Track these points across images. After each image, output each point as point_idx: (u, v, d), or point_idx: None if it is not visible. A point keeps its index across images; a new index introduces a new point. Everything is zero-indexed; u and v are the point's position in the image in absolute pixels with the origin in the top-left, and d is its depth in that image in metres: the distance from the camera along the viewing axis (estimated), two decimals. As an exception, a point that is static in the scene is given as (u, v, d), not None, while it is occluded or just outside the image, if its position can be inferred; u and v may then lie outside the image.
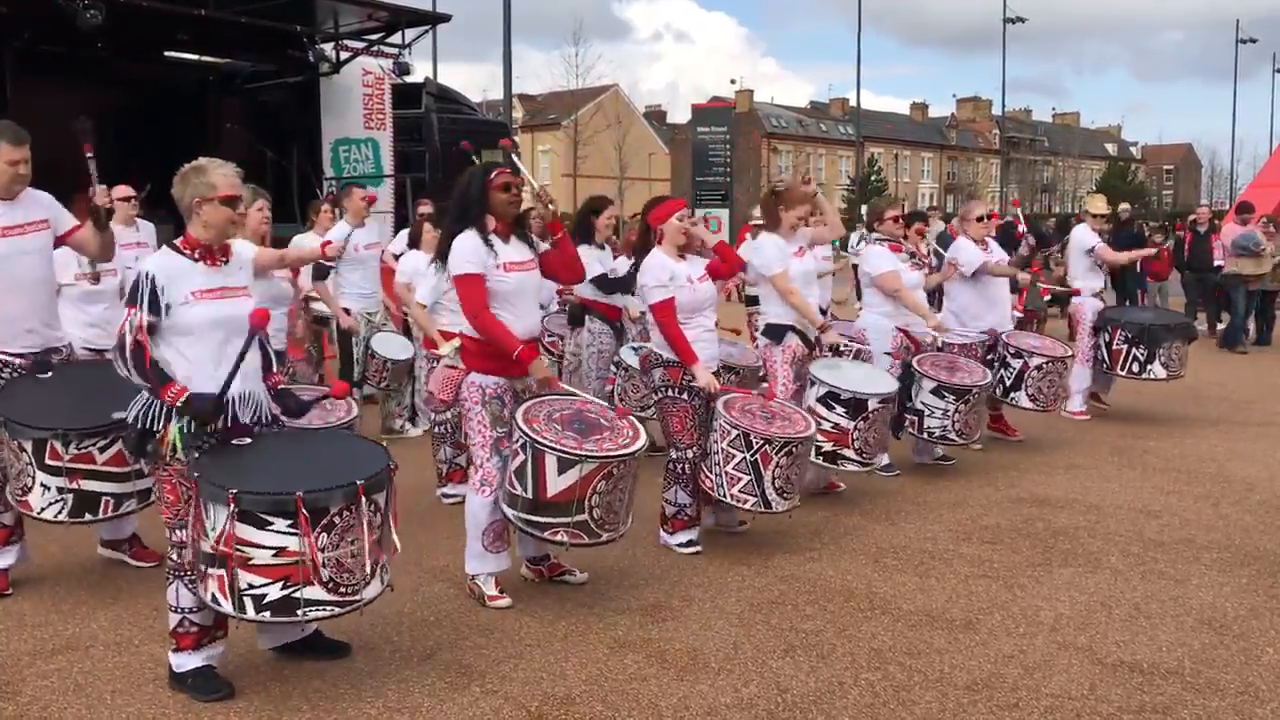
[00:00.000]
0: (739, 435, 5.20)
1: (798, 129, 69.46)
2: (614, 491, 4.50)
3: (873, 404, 5.98)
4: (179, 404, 3.68)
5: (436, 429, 6.57)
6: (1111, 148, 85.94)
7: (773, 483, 5.24)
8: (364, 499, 3.57)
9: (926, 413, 6.86)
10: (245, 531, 3.47)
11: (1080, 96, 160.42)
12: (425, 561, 5.32)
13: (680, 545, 5.44)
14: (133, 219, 7.39)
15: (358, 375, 8.04)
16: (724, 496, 5.32)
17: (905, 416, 6.90)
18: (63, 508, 4.52)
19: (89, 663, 4.09)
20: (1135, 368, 8.68)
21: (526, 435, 4.44)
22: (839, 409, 5.96)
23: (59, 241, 5.03)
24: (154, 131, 13.40)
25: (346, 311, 7.92)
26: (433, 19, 15.37)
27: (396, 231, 11.65)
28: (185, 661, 3.84)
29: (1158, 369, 8.63)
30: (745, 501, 5.29)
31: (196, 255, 3.82)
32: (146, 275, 3.71)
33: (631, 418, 4.79)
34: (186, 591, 3.75)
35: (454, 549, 5.45)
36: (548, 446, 4.41)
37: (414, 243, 8.02)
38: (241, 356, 3.71)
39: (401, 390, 8.32)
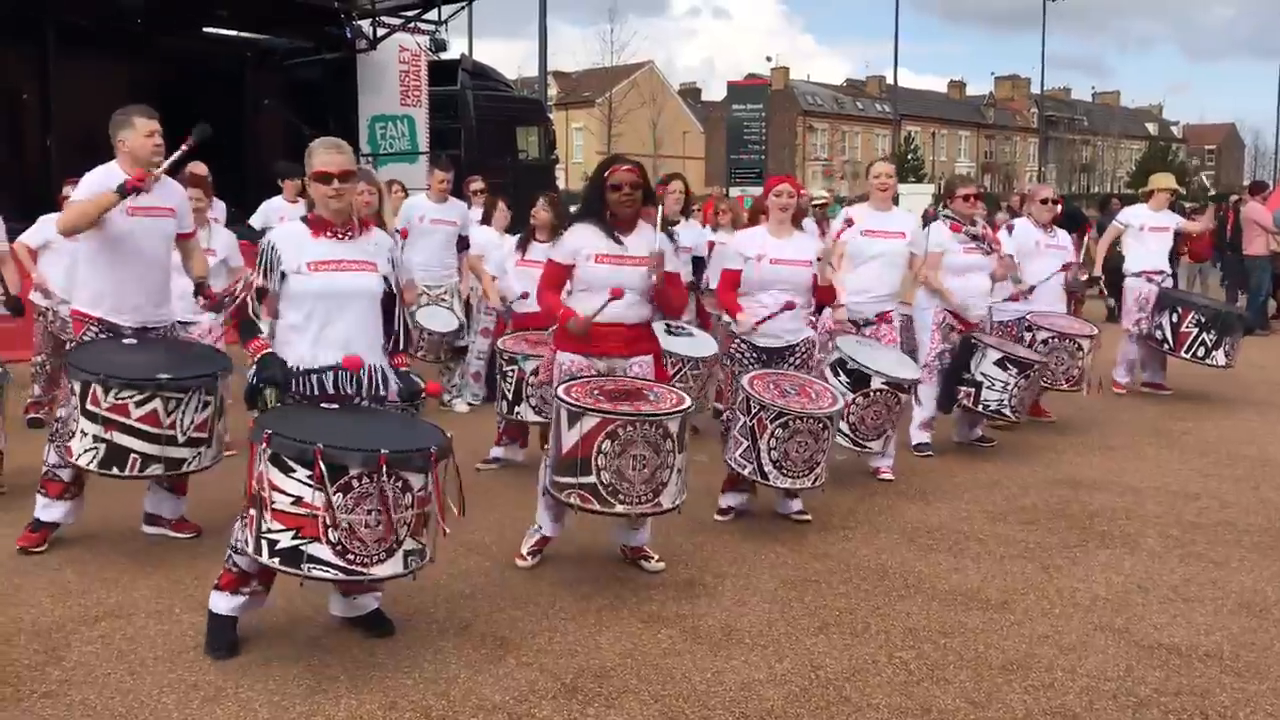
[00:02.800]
0: (743, 399, 5.27)
1: (834, 107, 68.95)
2: (623, 456, 4.39)
3: (876, 382, 5.87)
4: (255, 360, 3.88)
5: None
6: (1152, 127, 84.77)
7: (768, 453, 5.20)
8: (386, 470, 3.55)
9: (986, 384, 6.78)
10: (274, 475, 3.56)
11: (1122, 75, 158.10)
12: (461, 535, 5.34)
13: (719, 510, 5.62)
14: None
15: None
16: (729, 458, 5.37)
17: (959, 389, 6.85)
18: (94, 456, 4.62)
19: (131, 630, 4.15)
20: (1200, 352, 8.59)
21: (554, 396, 4.56)
22: (843, 377, 5.92)
23: (179, 239, 5.21)
24: (192, 108, 13.43)
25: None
26: (469, -5, 15.36)
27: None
28: (216, 602, 3.96)
29: (1220, 357, 8.55)
30: (744, 467, 5.31)
31: (317, 227, 4.02)
32: (269, 242, 3.99)
33: (679, 392, 4.75)
34: (239, 528, 3.83)
35: (489, 524, 5.51)
36: (561, 400, 4.50)
37: (485, 219, 8.23)
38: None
39: (449, 365, 8.37)
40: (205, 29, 14.75)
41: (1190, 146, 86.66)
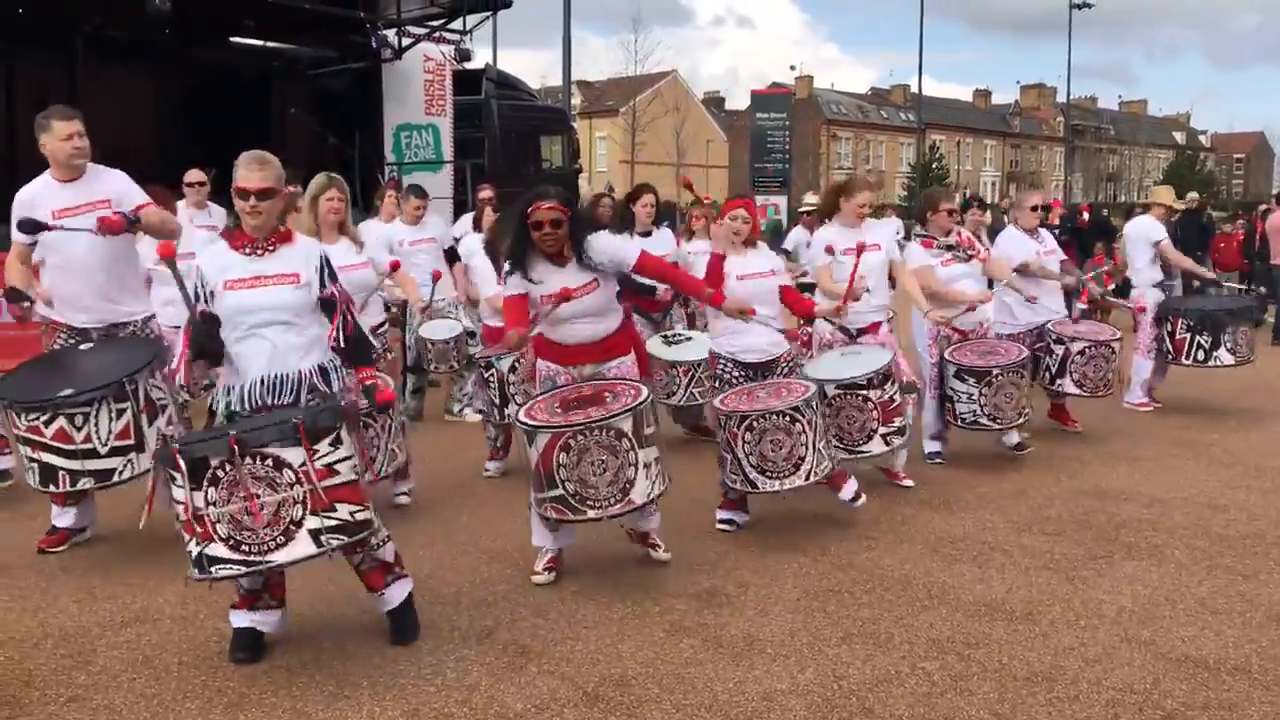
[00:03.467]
0: (716, 416, 5.30)
1: (858, 115, 68.80)
2: (581, 464, 4.40)
3: (830, 389, 5.80)
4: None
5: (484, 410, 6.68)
6: (1180, 136, 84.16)
7: (747, 460, 5.20)
8: (244, 453, 3.51)
9: (955, 399, 6.79)
10: (172, 489, 3.60)
11: (1149, 83, 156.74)
12: (482, 543, 5.37)
13: (719, 520, 5.62)
14: (204, 203, 7.55)
15: (411, 361, 8.16)
16: (721, 480, 5.42)
17: (946, 407, 6.88)
18: (34, 475, 4.74)
19: (157, 635, 4.18)
20: (1200, 355, 8.49)
21: (516, 418, 4.63)
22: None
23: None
24: (219, 117, 13.60)
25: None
26: (494, 5, 15.39)
27: (456, 217, 11.72)
28: (235, 619, 4.02)
29: (1224, 355, 8.44)
30: (735, 481, 5.31)
31: (234, 244, 4.05)
32: (197, 266, 4.02)
33: (640, 387, 4.72)
34: None
35: (509, 531, 5.51)
36: (519, 422, 4.56)
37: (477, 225, 8.23)
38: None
39: (463, 373, 8.39)
40: (232, 39, 14.87)
41: (1218, 155, 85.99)
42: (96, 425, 4.60)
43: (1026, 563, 5.11)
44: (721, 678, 3.86)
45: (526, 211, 4.66)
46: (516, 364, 6.41)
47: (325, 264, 4.11)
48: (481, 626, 4.30)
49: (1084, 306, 9.24)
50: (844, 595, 4.68)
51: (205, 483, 3.53)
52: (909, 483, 6.38)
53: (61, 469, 4.64)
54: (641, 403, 4.53)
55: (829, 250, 6.25)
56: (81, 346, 5.07)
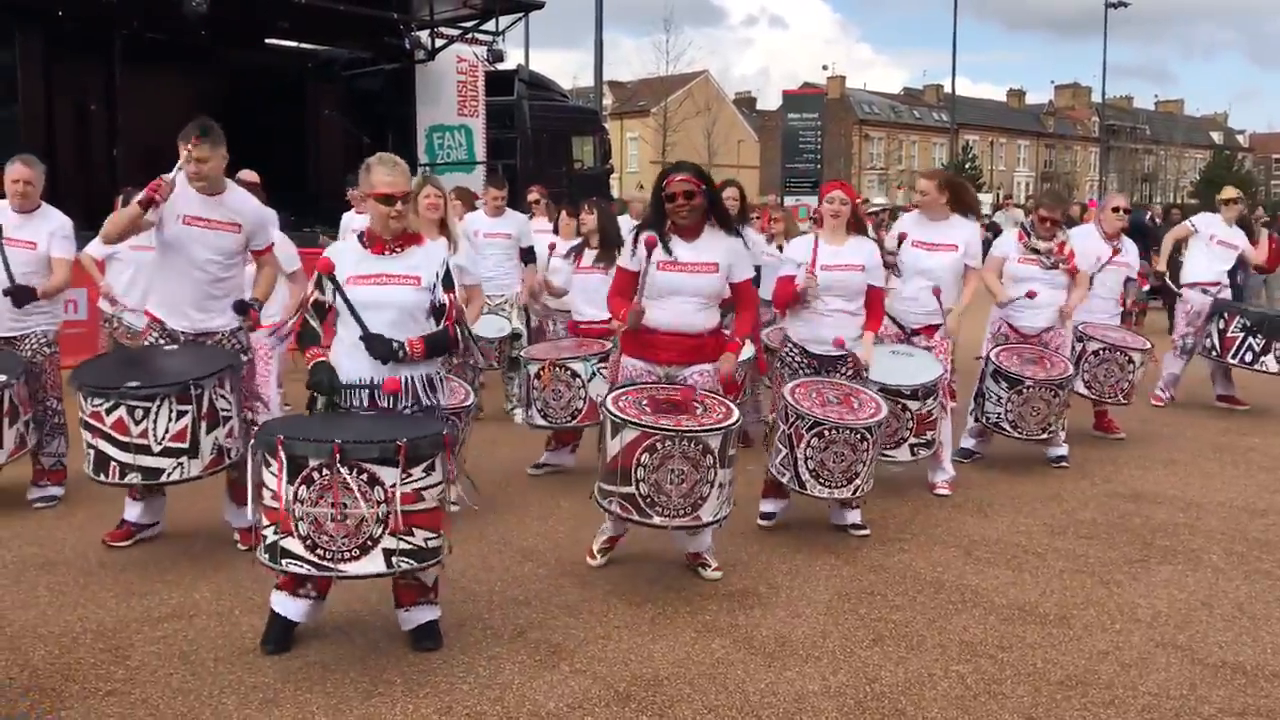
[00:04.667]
0: (783, 407, 5.27)
1: (890, 116, 68.46)
2: (661, 469, 4.42)
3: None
4: (309, 367, 4.02)
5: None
6: (1217, 136, 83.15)
7: (805, 463, 5.19)
8: (342, 461, 3.57)
9: (987, 396, 6.75)
10: (263, 472, 3.71)
11: (1186, 83, 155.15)
12: (516, 541, 5.39)
13: (761, 514, 5.64)
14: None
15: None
16: (770, 465, 5.38)
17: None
18: (89, 461, 4.80)
19: (193, 631, 4.22)
20: (1249, 357, 8.43)
21: (601, 403, 4.64)
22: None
23: (254, 255, 5.30)
24: (254, 117, 13.71)
25: None
26: (526, 6, 15.46)
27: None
28: (274, 601, 4.07)
29: (1270, 362, 8.36)
30: (783, 475, 5.30)
31: (365, 242, 4.12)
32: (325, 257, 4.12)
33: (730, 405, 4.73)
34: None
35: (544, 530, 5.54)
36: (606, 410, 4.55)
37: (556, 229, 8.46)
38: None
39: (509, 374, 8.44)
40: (267, 40, 15.00)
41: (1256, 156, 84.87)
42: (155, 422, 4.66)
43: (1060, 566, 5.07)
44: (753, 678, 3.86)
45: (661, 184, 4.76)
46: (540, 372, 6.43)
47: (447, 270, 4.16)
48: (514, 625, 4.32)
49: (1121, 309, 9.13)
50: (876, 597, 4.66)
51: (300, 480, 3.61)
52: (945, 491, 6.32)
53: (114, 459, 4.69)
54: (734, 423, 4.58)
55: (902, 237, 6.29)
56: (166, 347, 5.12)
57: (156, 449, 4.67)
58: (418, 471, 3.69)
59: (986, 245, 7.18)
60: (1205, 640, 4.21)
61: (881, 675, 3.89)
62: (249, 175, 7.54)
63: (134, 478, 4.75)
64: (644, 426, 4.43)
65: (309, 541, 3.64)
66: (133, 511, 5.23)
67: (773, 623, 4.37)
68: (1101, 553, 5.27)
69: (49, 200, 6.00)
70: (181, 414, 4.69)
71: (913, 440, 5.93)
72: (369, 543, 3.65)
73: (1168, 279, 9.83)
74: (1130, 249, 7.92)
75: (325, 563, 3.65)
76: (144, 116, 12.40)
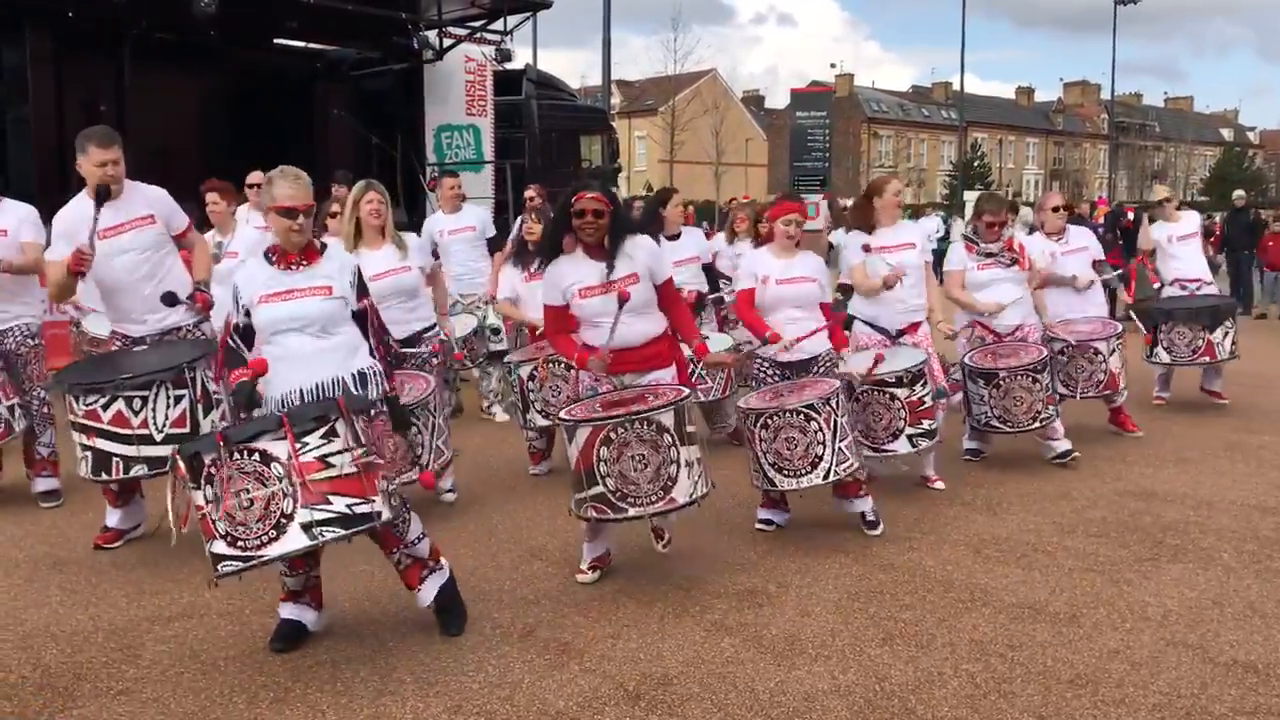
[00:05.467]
0: (739, 415, 5.32)
1: (899, 114, 68.38)
2: (621, 459, 4.40)
3: (858, 386, 5.75)
4: (233, 387, 3.96)
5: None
6: (1227, 133, 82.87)
7: (764, 458, 5.20)
8: (227, 448, 3.54)
9: (972, 399, 6.76)
10: (190, 492, 3.66)
11: (1196, 79, 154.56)
12: (524, 540, 5.40)
13: (759, 520, 5.63)
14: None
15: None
16: (750, 476, 5.39)
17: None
18: (86, 464, 4.81)
19: (203, 630, 4.24)
20: (1146, 352, 8.55)
21: (556, 416, 4.69)
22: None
23: (177, 239, 5.29)
24: (263, 118, 13.75)
25: None
26: (534, 5, 15.47)
27: (497, 217, 11.76)
28: (280, 609, 4.14)
29: (1161, 353, 8.41)
30: (756, 480, 5.31)
31: (272, 258, 4.11)
32: (233, 281, 4.13)
33: (680, 389, 4.72)
34: None
35: (552, 528, 5.54)
36: (559, 419, 4.59)
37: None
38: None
39: (487, 369, 8.44)
40: (276, 40, 15.03)
41: (1267, 152, 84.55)
42: (154, 410, 4.68)
43: (1070, 565, 5.06)
44: (763, 677, 3.86)
45: (570, 201, 4.73)
46: (535, 370, 6.43)
47: (358, 275, 4.18)
48: (523, 624, 4.33)
49: (1127, 310, 9.11)
50: (885, 596, 4.66)
51: (203, 481, 3.59)
52: (940, 485, 6.34)
53: (116, 456, 4.70)
54: (684, 398, 4.55)
55: (865, 249, 6.23)
56: (136, 349, 5.17)
57: (159, 437, 4.69)
58: (314, 439, 3.62)
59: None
60: (1217, 639, 4.20)
61: (891, 674, 3.89)
62: (256, 178, 7.57)
63: (140, 469, 4.75)
64: (593, 421, 4.45)
65: (229, 537, 3.58)
66: (113, 518, 5.28)
67: (782, 621, 4.37)
68: (1112, 551, 5.26)
69: (67, 195, 6.04)
70: (179, 398, 4.71)
71: (910, 430, 5.87)
72: (282, 520, 3.57)
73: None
74: (1079, 235, 7.91)
75: (249, 553, 3.57)
76: (153, 116, 12.43)
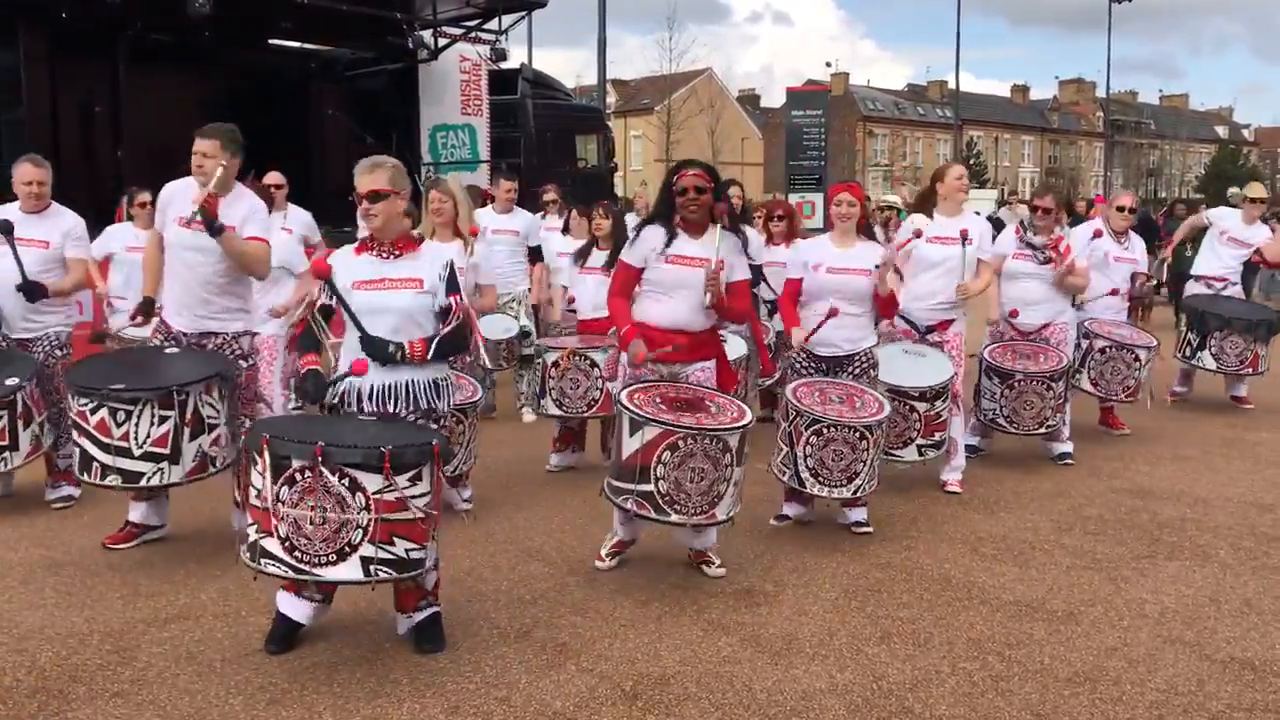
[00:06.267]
0: (784, 404, 5.29)
1: (894, 112, 68.40)
2: (682, 468, 4.43)
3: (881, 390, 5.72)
4: (303, 374, 4.03)
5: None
6: (1222, 130, 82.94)
7: (804, 461, 5.19)
8: (324, 464, 3.54)
9: (983, 393, 6.77)
10: (251, 472, 3.70)
11: (1192, 77, 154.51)
12: (522, 541, 5.39)
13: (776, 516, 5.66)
14: (284, 204, 7.59)
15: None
16: (771, 465, 5.38)
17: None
18: (75, 459, 4.86)
19: (200, 632, 4.23)
20: (1187, 351, 8.55)
21: (615, 400, 4.63)
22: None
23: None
24: (258, 118, 13.69)
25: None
26: (529, 5, 15.45)
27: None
28: (280, 601, 4.09)
29: (1207, 359, 8.40)
30: (784, 474, 5.30)
31: (369, 246, 4.11)
32: (320, 261, 4.14)
33: (741, 405, 4.73)
34: None
35: (550, 529, 5.53)
36: (624, 407, 4.54)
37: (566, 229, 8.48)
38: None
39: (520, 372, 8.46)
40: (270, 41, 15.00)
41: (1262, 150, 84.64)
42: (136, 425, 4.64)
43: (1068, 563, 5.06)
44: (760, 676, 3.85)
45: (672, 179, 4.78)
46: (559, 360, 6.46)
47: (450, 271, 4.12)
48: (520, 624, 4.32)
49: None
50: (883, 595, 4.65)
51: (282, 480, 3.59)
52: (958, 490, 6.30)
53: (96, 460, 4.69)
54: (750, 421, 4.59)
55: (916, 234, 6.19)
56: (166, 349, 5.12)
57: (137, 452, 4.66)
58: (402, 480, 3.62)
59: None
60: (1213, 636, 4.20)
61: (889, 673, 3.89)
62: (273, 178, 7.57)
63: (114, 479, 4.73)
64: (667, 425, 4.44)
65: (288, 543, 3.59)
66: (136, 512, 5.23)
67: (779, 621, 4.36)
68: (1109, 549, 5.26)
69: (61, 197, 6.01)
70: (164, 419, 4.67)
71: (920, 441, 5.93)
72: (347, 548, 3.59)
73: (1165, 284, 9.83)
74: (1137, 245, 7.92)
75: (302, 565, 3.60)
76: (148, 117, 12.40)
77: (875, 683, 3.81)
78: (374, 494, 3.58)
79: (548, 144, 16.77)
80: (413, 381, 4.06)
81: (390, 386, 4.04)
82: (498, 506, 6.03)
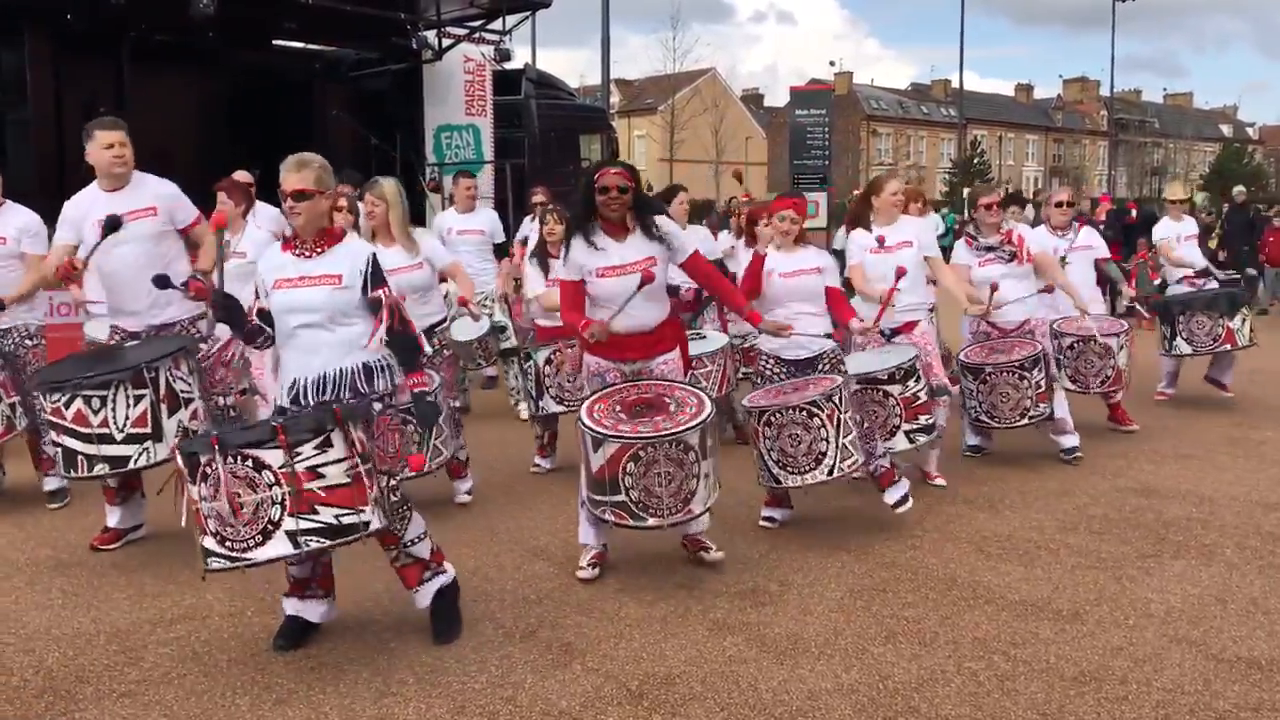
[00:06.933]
0: (743, 413, 5.32)
1: (898, 111, 68.34)
2: (648, 475, 4.46)
3: (851, 384, 5.64)
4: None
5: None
6: (1227, 129, 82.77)
7: (769, 455, 5.22)
8: (222, 451, 3.55)
9: (966, 393, 6.78)
10: (186, 483, 3.69)
11: (1196, 75, 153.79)
12: (526, 540, 5.40)
13: (762, 518, 5.66)
14: (251, 201, 7.57)
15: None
16: (757, 474, 5.41)
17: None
18: (58, 460, 4.82)
19: (206, 632, 4.24)
20: (1166, 345, 8.58)
21: (578, 419, 4.65)
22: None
23: (182, 233, 5.26)
24: (262, 118, 13.74)
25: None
26: (533, 5, 15.46)
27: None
28: (285, 604, 4.14)
29: (1182, 345, 8.41)
30: (761, 477, 5.34)
31: (293, 244, 4.11)
32: (259, 265, 4.14)
33: (701, 395, 4.74)
34: None
35: (554, 528, 5.54)
36: (584, 425, 4.58)
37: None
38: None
39: (506, 368, 8.48)
40: (274, 41, 15.02)
41: (1267, 148, 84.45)
42: (114, 410, 4.63)
43: (1073, 562, 5.06)
44: (766, 676, 3.85)
45: (594, 178, 4.75)
46: (552, 356, 6.47)
47: (372, 265, 4.10)
48: (525, 624, 4.32)
49: (1129, 303, 9.08)
50: (888, 594, 4.65)
51: (198, 479, 3.60)
52: (941, 481, 6.34)
53: (80, 453, 4.67)
54: (708, 415, 4.58)
55: (880, 242, 6.21)
56: (127, 344, 5.16)
57: (119, 436, 4.65)
58: (306, 450, 3.61)
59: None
60: (1219, 635, 4.19)
61: (894, 673, 3.89)
62: (242, 176, 7.56)
63: (101, 468, 4.72)
64: (624, 438, 4.47)
65: (218, 536, 3.61)
66: (113, 517, 5.27)
67: (785, 620, 4.37)
68: (1114, 548, 5.25)
69: (64, 198, 6.01)
70: (139, 398, 4.66)
71: (906, 427, 5.87)
72: (269, 526, 3.59)
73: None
74: (1087, 233, 7.95)
75: (235, 554, 3.61)
76: (153, 117, 12.38)
77: (881, 682, 3.81)
78: (280, 468, 3.58)
79: (552, 144, 16.77)
80: (343, 369, 4.01)
81: (321, 378, 4.00)
82: (501, 505, 6.04)
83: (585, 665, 3.95)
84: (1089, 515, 5.80)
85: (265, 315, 4.07)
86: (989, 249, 6.81)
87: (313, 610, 4.11)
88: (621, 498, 4.52)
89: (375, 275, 4.08)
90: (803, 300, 5.51)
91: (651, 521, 4.55)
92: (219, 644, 4.13)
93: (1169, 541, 5.35)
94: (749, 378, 7.21)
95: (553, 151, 16.65)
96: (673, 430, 4.47)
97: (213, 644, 4.13)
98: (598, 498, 4.61)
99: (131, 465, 4.73)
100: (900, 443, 5.88)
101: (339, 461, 3.66)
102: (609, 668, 3.93)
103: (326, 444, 3.65)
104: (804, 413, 5.13)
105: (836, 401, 5.18)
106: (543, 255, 6.94)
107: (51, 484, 5.98)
